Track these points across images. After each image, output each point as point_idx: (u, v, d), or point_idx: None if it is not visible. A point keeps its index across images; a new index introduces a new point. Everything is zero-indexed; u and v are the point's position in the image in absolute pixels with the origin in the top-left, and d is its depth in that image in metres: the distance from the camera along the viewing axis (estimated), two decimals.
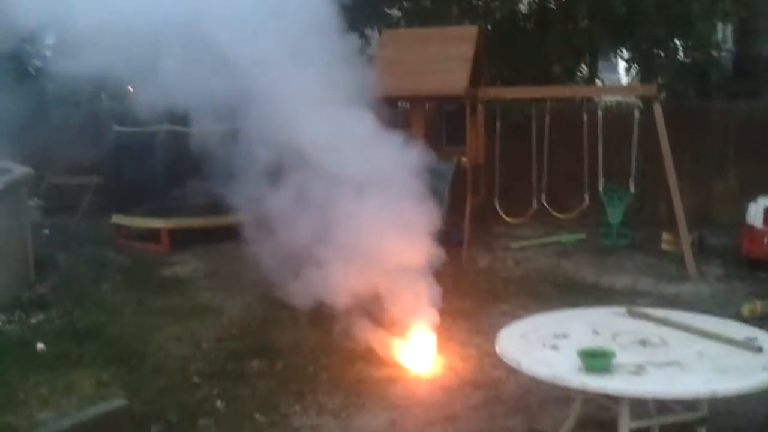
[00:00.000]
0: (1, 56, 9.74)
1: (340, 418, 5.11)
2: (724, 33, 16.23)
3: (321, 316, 6.36)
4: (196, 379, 5.81)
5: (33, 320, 7.39)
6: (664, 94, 11.44)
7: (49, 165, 13.44)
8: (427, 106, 11.00)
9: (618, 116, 11.68)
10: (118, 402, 1.51)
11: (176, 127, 10.05)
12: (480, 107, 10.22)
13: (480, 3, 12.92)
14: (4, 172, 8.49)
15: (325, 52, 6.09)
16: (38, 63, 14.19)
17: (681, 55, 12.71)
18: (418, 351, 6.04)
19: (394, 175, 6.05)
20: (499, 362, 4.48)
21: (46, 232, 11.48)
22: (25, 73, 13.72)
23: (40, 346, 6.51)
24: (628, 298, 7.49)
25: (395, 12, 13.32)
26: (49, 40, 13.87)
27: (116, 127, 11.40)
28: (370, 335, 6.20)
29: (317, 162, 5.92)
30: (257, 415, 5.14)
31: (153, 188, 10.67)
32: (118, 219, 11.11)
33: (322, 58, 6.07)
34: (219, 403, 5.36)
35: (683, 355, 3.95)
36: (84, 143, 13.19)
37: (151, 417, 5.06)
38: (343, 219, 5.88)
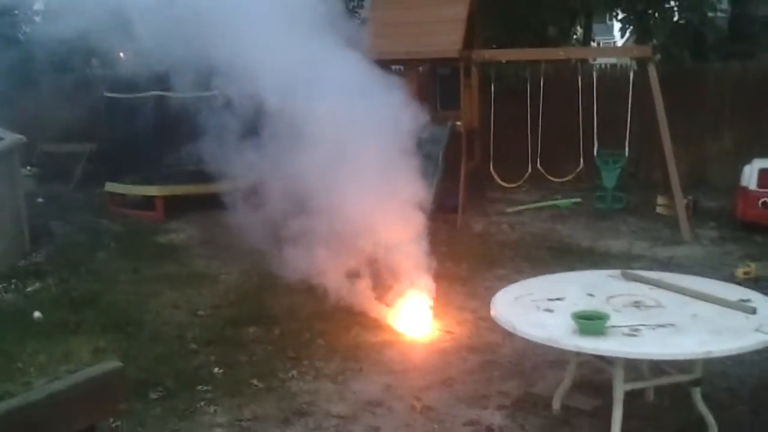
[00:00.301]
0: None
1: (337, 383, 5.14)
2: None
3: (317, 282, 6.37)
4: (193, 346, 5.83)
5: (29, 289, 7.40)
6: (659, 56, 11.37)
7: (41, 132, 13.36)
8: (420, 69, 10.93)
9: (613, 79, 11.66)
10: (112, 364, 1.51)
11: (168, 93, 9.98)
12: (474, 70, 10.16)
13: None
14: None
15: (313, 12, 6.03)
16: (27, 29, 14.04)
17: (676, 15, 12.63)
18: (414, 316, 6.07)
19: (385, 131, 5.98)
20: (494, 326, 4.50)
21: (40, 200, 11.45)
22: (14, 39, 13.57)
23: (36, 314, 6.52)
24: (623, 262, 7.53)
25: None
26: (38, 5, 13.76)
27: (108, 94, 11.30)
28: (366, 301, 6.23)
29: (307, 118, 5.86)
30: (255, 381, 5.16)
31: (146, 155, 10.61)
32: (111, 187, 11.07)
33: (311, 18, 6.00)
34: (216, 370, 5.38)
35: (677, 317, 3.97)
36: (76, 110, 13.11)
37: (148, 384, 5.08)
38: (335, 182, 5.85)
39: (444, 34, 9.58)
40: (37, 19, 13.94)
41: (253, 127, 6.30)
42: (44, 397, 1.46)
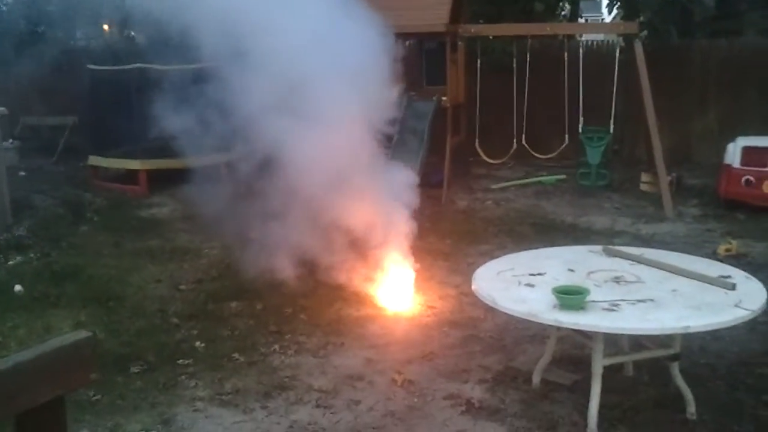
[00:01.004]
0: None
1: (318, 356, 5.14)
2: None
3: (300, 257, 6.35)
4: (174, 320, 5.82)
5: (10, 262, 7.34)
6: (645, 33, 11.36)
7: (23, 105, 13.23)
8: (407, 43, 10.86)
9: (599, 56, 11.65)
10: (84, 333, 1.48)
11: (151, 65, 9.88)
12: (460, 45, 10.11)
13: None
14: None
15: None
16: None
17: None
18: (396, 291, 6.08)
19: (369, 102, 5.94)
20: (477, 301, 4.50)
21: (22, 173, 11.36)
22: None
23: (17, 287, 6.48)
24: (606, 238, 7.56)
25: None
26: None
27: (91, 66, 11.19)
28: (348, 275, 6.23)
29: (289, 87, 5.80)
30: (236, 355, 5.16)
31: (129, 128, 10.52)
32: (95, 160, 10.98)
33: None
34: (198, 344, 5.37)
35: (657, 293, 3.98)
36: (59, 82, 12.98)
37: (129, 357, 5.07)
38: (318, 154, 5.81)
39: (431, 8, 9.52)
40: None
41: (236, 100, 6.24)
42: (10, 366, 1.44)
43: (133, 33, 13.03)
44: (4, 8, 13.84)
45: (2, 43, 12.79)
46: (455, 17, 9.91)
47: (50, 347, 1.55)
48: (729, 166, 8.98)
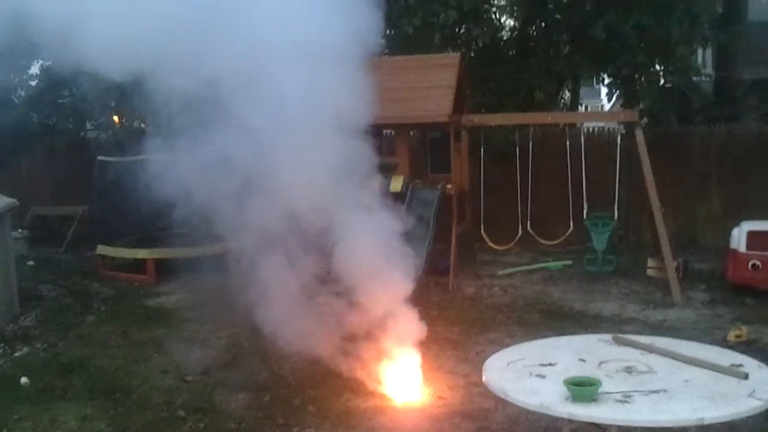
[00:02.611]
0: None
1: None
2: (704, 57, 16.47)
3: (308, 347, 6.32)
4: (181, 413, 5.76)
5: (17, 353, 7.33)
6: (645, 120, 11.56)
7: (33, 195, 13.40)
8: (411, 133, 11.06)
9: (601, 142, 11.84)
10: None
11: (157, 156, 10.02)
12: (464, 134, 10.28)
13: (462, 30, 13.03)
14: None
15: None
16: (22, 92, 14.19)
17: (662, 80, 12.87)
18: (405, 381, 6.02)
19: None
20: (487, 391, 4.45)
21: (31, 263, 11.41)
22: (9, 102, 13.71)
23: (23, 379, 6.45)
24: (615, 325, 7.53)
25: (378, 40, 13.41)
26: (34, 70, 13.94)
27: (101, 157, 11.37)
28: (357, 366, 6.18)
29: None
30: None
31: (137, 218, 10.61)
32: (103, 250, 11.04)
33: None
34: None
35: (670, 383, 3.95)
36: (69, 173, 13.17)
37: None
38: (324, 244, 5.86)
39: (434, 99, 9.72)
40: (33, 83, 14.12)
41: (243, 190, 6.32)
42: None
43: (142, 124, 13.28)
44: (17, 101, 14.16)
45: (14, 135, 13.05)
46: (458, 107, 10.11)
47: None
48: (735, 250, 9.00)
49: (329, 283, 5.92)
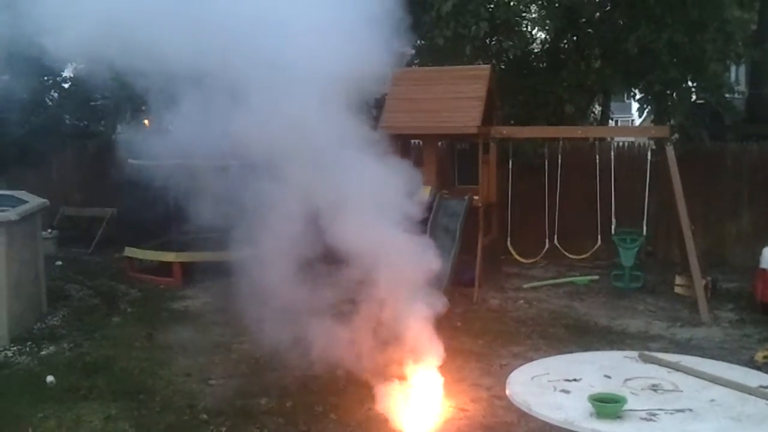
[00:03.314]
0: (20, 88, 9.85)
1: None
2: (737, 74, 16.32)
3: (331, 354, 6.31)
4: (204, 416, 5.79)
5: (43, 352, 7.42)
6: (676, 136, 11.46)
7: (63, 196, 13.57)
8: (439, 144, 11.06)
9: (631, 157, 11.76)
10: None
11: (188, 161, 10.10)
12: (492, 146, 10.26)
13: (493, 42, 13.03)
14: (20, 203, 8.56)
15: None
16: (55, 94, 14.39)
17: (693, 96, 12.75)
18: (428, 392, 5.99)
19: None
20: (510, 405, 4.44)
21: (59, 263, 11.55)
22: (42, 104, 13.90)
23: (49, 378, 6.52)
24: (641, 342, 7.46)
25: (409, 50, 13.44)
26: (67, 72, 14.13)
27: (131, 160, 11.48)
28: (380, 374, 6.16)
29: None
30: None
31: (165, 221, 10.70)
32: (130, 252, 11.15)
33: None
34: None
35: (695, 402, 3.91)
36: (99, 175, 13.31)
37: None
38: (349, 252, 5.84)
39: (463, 110, 9.71)
40: (66, 85, 14.32)
41: (269, 196, 6.35)
42: None
43: (171, 128, 13.39)
44: (50, 103, 14.36)
45: (46, 136, 13.23)
46: (487, 119, 10.10)
47: None
48: (765, 270, 8.86)
49: (353, 290, 5.90)
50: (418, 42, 13.36)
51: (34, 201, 8.84)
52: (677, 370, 4.41)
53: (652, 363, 4.59)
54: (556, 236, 10.17)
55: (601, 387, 4.08)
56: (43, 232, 10.32)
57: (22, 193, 9.12)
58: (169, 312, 9.08)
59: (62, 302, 9.24)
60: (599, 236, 10.05)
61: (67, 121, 14.42)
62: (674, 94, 12.34)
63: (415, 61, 13.09)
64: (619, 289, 9.94)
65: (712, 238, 11.69)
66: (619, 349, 5.44)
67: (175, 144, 8.03)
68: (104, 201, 13.23)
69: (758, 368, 5.71)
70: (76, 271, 11.19)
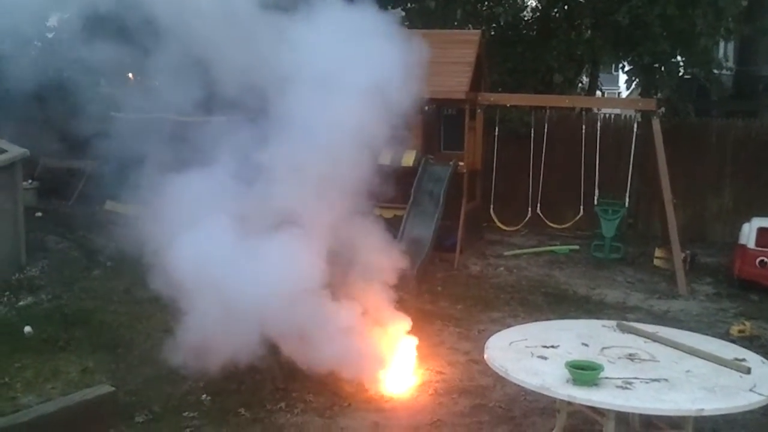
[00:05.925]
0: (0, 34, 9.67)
1: (325, 417, 5.10)
2: (725, 50, 16.31)
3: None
4: (181, 372, 5.77)
5: (21, 303, 7.37)
6: (663, 109, 11.46)
7: (44, 147, 13.38)
8: (426, 108, 10.99)
9: (616, 129, 11.77)
10: (105, 388, 1.47)
11: (172, 116, 9.99)
12: (479, 112, 10.22)
13: (484, 8, 12.92)
14: (1, 152, 8.45)
15: None
16: (38, 44, 14.13)
17: (681, 70, 12.74)
18: (406, 354, 6.02)
19: None
20: (486, 369, 4.48)
21: (39, 214, 11.43)
22: (24, 54, 13.65)
23: (27, 329, 6.48)
24: (618, 312, 7.53)
25: (399, 12, 13.30)
26: (51, 21, 13.87)
27: (114, 113, 11.34)
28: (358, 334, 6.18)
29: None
30: (242, 410, 5.12)
31: (147, 176, 10.59)
32: (111, 205, 11.05)
33: None
34: (204, 397, 5.34)
35: (671, 372, 3.95)
36: (80, 128, 13.14)
37: (135, 406, 5.04)
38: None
39: (452, 75, 9.65)
40: (49, 35, 14.06)
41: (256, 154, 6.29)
42: (33, 418, 1.45)
43: (157, 83, 13.23)
44: (32, 53, 14.09)
45: (27, 87, 13.01)
46: (475, 85, 10.04)
47: (73, 401, 1.56)
48: (744, 246, 8.96)
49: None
50: (409, 4, 13.24)
51: (14, 150, 8.72)
52: (654, 341, 4.46)
53: (630, 333, 4.63)
54: (539, 205, 10.20)
55: (579, 354, 4.11)
56: (24, 183, 10.21)
57: (3, 143, 8.98)
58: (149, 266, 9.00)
59: (41, 254, 9.14)
60: (581, 207, 10.09)
61: (50, 72, 14.19)
62: (662, 68, 12.32)
63: (405, 23, 12.96)
64: (598, 259, 10.01)
65: (693, 212, 11.77)
66: (596, 318, 5.48)
67: (159, 98, 7.96)
68: (86, 153, 13.06)
69: (733, 341, 5.77)
70: (56, 223, 11.06)
